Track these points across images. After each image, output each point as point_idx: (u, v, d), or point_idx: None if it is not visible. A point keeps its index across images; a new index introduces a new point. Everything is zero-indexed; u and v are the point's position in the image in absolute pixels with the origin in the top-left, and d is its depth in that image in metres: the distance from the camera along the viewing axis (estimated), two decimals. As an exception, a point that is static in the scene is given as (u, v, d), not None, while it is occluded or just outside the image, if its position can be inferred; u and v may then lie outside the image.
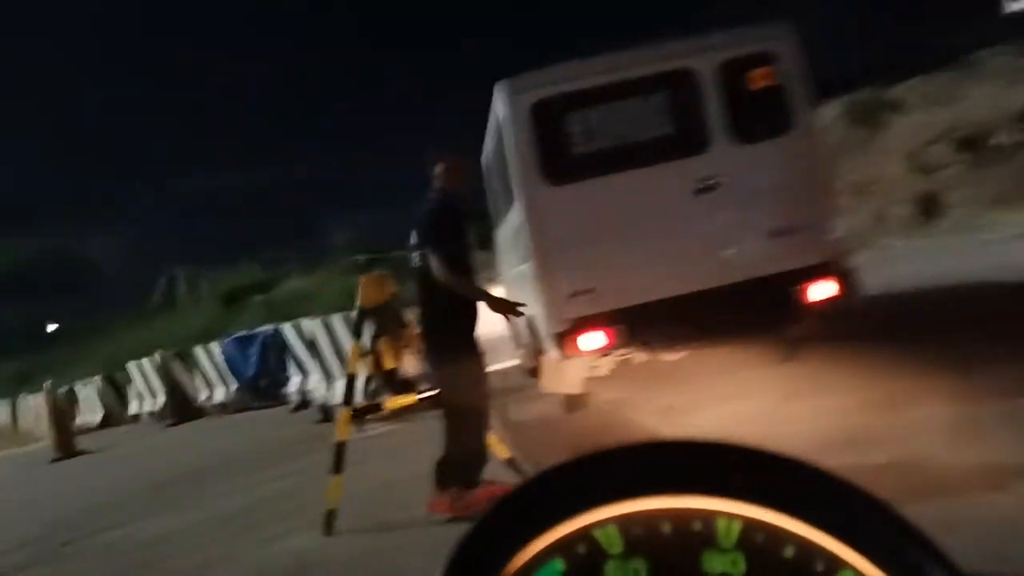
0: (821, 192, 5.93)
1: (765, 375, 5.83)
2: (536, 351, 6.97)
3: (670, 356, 6.17)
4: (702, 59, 5.74)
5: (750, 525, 0.49)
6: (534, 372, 7.77)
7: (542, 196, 5.72)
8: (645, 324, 5.59)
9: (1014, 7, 10.53)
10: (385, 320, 7.46)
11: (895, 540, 0.46)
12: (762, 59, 5.79)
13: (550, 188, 5.74)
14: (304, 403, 11.61)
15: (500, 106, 6.04)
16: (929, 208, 15.38)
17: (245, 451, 9.10)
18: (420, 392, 5.44)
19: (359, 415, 5.51)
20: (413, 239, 4.33)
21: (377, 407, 5.83)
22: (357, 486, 5.09)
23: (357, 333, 5.44)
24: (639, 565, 0.50)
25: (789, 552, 0.48)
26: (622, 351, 5.81)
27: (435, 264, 4.10)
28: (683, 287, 5.57)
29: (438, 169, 4.39)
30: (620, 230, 5.65)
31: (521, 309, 4.24)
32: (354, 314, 6.29)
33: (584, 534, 0.51)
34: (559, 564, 0.51)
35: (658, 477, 0.50)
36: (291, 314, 15.30)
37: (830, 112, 19.15)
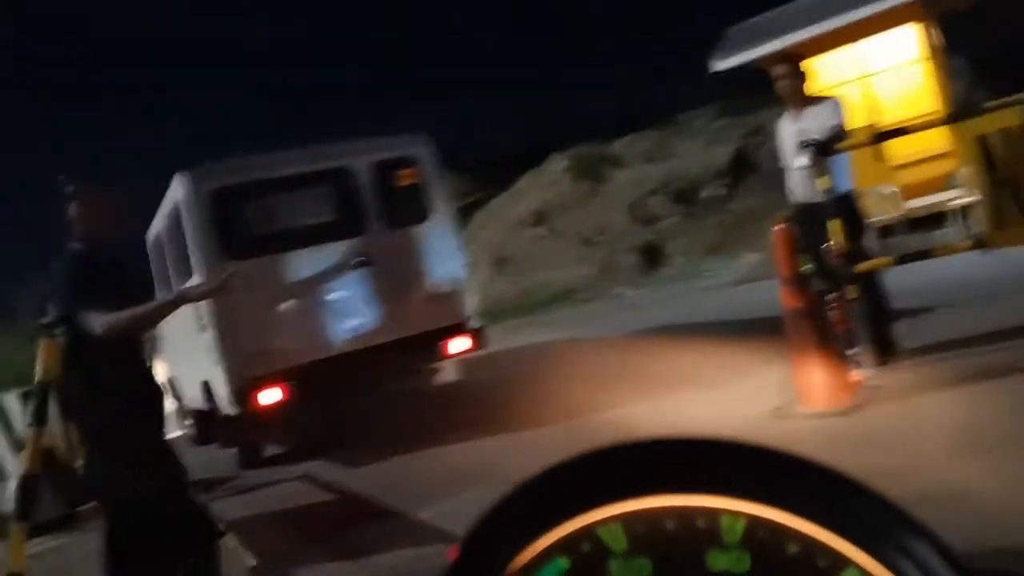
0: (456, 267, 7.31)
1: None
2: (209, 415, 7.72)
3: (339, 404, 7.33)
4: (358, 160, 7.04)
5: (754, 522, 0.48)
6: (204, 438, 8.53)
7: (221, 271, 6.19)
8: (316, 379, 6.54)
9: (720, 66, 11.14)
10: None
11: (899, 537, 0.45)
12: (406, 161, 7.24)
13: (229, 263, 6.37)
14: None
15: (182, 192, 6.75)
16: (652, 257, 16.16)
17: None
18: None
19: (45, 529, 4.20)
20: (51, 312, 3.23)
21: (69, 518, 5.21)
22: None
23: (38, 416, 4.09)
24: (643, 563, 0.50)
25: (793, 549, 0.48)
26: (297, 403, 6.68)
27: (91, 320, 3.22)
28: (346, 346, 6.68)
29: (78, 209, 3.30)
30: (292, 300, 6.65)
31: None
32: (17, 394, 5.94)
33: (588, 532, 0.51)
34: (563, 562, 0.51)
35: (662, 475, 0.50)
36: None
37: (556, 166, 19.78)
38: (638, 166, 19.20)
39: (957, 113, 7.23)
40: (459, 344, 7.02)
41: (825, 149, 4.58)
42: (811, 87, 5.37)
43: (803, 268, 4.40)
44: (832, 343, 4.44)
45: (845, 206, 4.79)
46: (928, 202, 9.77)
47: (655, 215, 17.34)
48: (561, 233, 18.40)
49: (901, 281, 5.44)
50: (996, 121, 4.33)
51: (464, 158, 23.53)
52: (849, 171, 5.13)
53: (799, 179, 5.02)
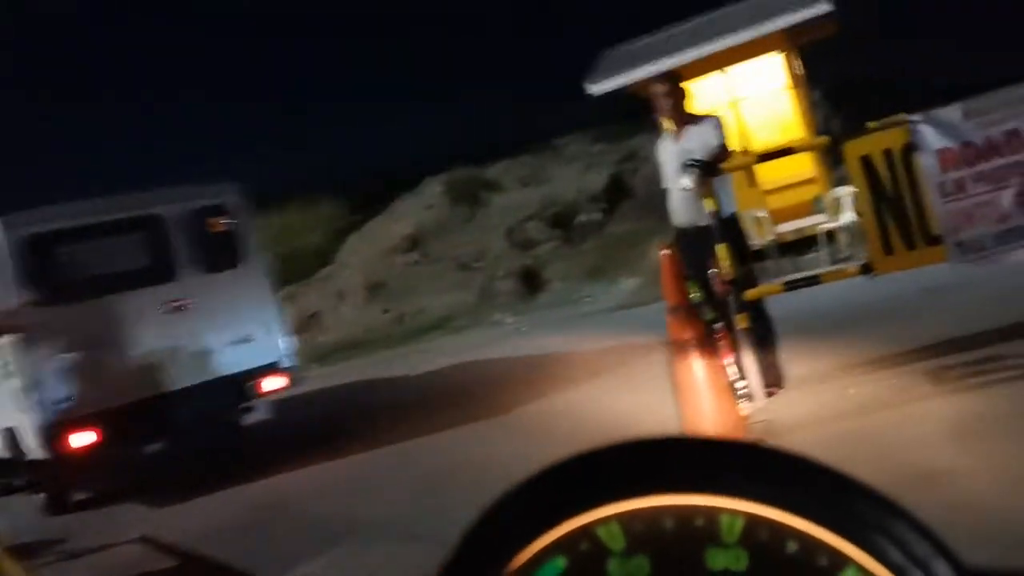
0: (269, 310, 7.77)
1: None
2: (12, 463, 7.65)
3: (149, 447, 7.53)
4: (169, 207, 7.30)
5: (753, 521, 0.47)
6: (5, 490, 8.45)
7: (33, 317, 6.44)
8: (130, 420, 6.66)
9: (596, 90, 11.04)
10: None
11: (899, 536, 0.44)
12: (217, 209, 7.51)
13: (41, 309, 6.54)
14: None
15: None
16: (532, 283, 15.91)
17: None
18: None
19: None
20: None
21: None
22: None
23: None
24: (642, 562, 0.49)
25: (792, 548, 0.46)
26: (111, 445, 6.74)
27: None
28: (161, 387, 6.87)
29: None
30: (105, 343, 6.75)
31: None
32: None
33: (586, 531, 0.50)
34: (561, 562, 0.50)
35: (660, 474, 0.49)
36: None
37: (432, 190, 19.35)
38: (515, 191, 19.01)
39: (840, 134, 7.28)
40: (273, 383, 7.44)
41: (710, 169, 4.34)
42: (690, 106, 5.15)
43: (691, 296, 4.11)
44: (722, 376, 4.16)
45: (731, 229, 4.56)
46: (797, 226, 9.93)
47: (533, 240, 17.15)
48: (437, 258, 17.94)
49: (784, 306, 5.28)
50: (878, 143, 4.20)
51: (337, 180, 22.76)
52: (732, 193, 4.93)
53: (682, 201, 4.74)
